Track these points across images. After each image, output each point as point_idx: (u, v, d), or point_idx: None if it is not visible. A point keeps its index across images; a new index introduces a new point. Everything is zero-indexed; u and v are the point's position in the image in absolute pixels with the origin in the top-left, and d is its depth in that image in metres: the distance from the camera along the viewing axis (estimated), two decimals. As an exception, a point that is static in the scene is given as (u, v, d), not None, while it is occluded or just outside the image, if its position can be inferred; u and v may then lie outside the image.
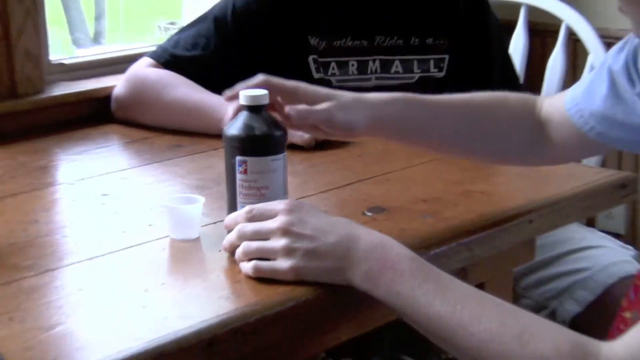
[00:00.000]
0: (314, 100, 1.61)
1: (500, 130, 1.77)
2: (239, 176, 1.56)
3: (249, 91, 1.58)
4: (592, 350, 1.22)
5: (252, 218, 1.47)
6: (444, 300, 1.31)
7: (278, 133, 1.58)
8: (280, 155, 1.58)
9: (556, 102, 1.74)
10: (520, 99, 1.79)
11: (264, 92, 1.58)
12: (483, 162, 1.87)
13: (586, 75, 1.66)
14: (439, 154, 1.90)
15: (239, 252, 1.46)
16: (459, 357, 1.34)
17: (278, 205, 1.46)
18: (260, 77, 1.60)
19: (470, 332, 1.28)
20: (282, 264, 1.41)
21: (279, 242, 1.42)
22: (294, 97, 1.63)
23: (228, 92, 1.62)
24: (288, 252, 1.41)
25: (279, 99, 1.63)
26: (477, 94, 1.78)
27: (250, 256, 1.44)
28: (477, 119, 1.75)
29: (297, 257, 1.40)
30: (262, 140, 1.56)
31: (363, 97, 1.66)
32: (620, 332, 1.26)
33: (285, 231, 1.42)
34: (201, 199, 1.61)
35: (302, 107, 1.58)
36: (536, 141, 1.76)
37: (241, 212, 1.49)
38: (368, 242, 1.40)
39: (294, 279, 1.40)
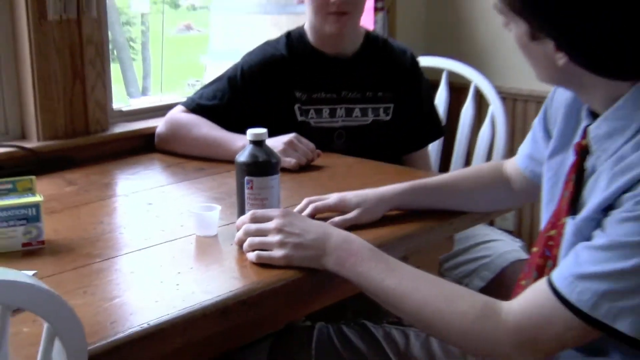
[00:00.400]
0: (347, 209, 1.63)
1: (484, 195, 1.75)
2: (247, 191, 1.59)
3: (254, 130, 1.60)
4: (497, 306, 1.25)
5: (255, 220, 1.49)
6: (392, 277, 1.33)
7: (274, 160, 1.61)
8: (276, 176, 1.61)
9: (511, 163, 1.71)
10: (492, 168, 1.77)
11: (264, 130, 1.60)
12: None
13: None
14: None
15: (245, 245, 1.47)
16: (405, 318, 1.37)
17: (274, 211, 1.49)
18: (310, 207, 1.64)
19: (411, 299, 1.31)
20: (277, 253, 1.42)
21: (274, 238, 1.44)
22: (334, 208, 1.65)
23: None
24: (281, 245, 1.42)
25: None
26: (464, 172, 1.81)
27: (253, 247, 1.46)
28: (467, 191, 1.74)
29: (287, 249, 1.42)
30: (263, 165, 1.59)
31: (383, 196, 1.67)
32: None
33: (279, 230, 1.44)
34: (218, 207, 1.62)
35: (339, 219, 1.60)
36: (507, 193, 1.74)
37: (247, 215, 1.51)
38: (337, 237, 1.42)
39: (285, 265, 1.42)
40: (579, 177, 1.33)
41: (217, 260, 1.50)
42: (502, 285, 2.19)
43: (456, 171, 1.84)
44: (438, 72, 2.84)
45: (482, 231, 2.41)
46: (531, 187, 1.62)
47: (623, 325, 1.14)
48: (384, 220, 1.65)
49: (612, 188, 1.20)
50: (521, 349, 1.21)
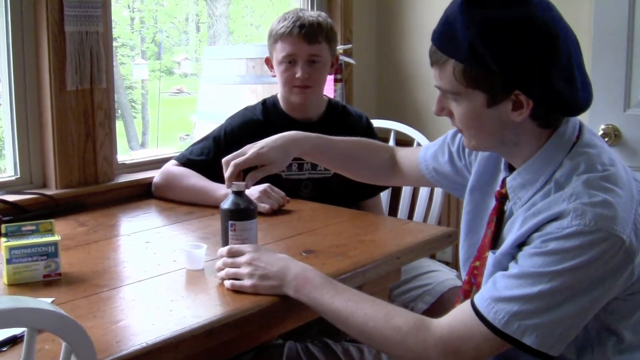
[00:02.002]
0: (265, 161, 1.67)
1: (369, 162, 1.80)
2: (230, 233, 1.57)
3: (237, 182, 1.60)
4: (427, 322, 1.25)
5: (231, 254, 1.49)
6: (339, 299, 1.33)
7: (252, 207, 1.60)
8: (254, 220, 1.60)
9: (410, 154, 1.77)
10: (382, 145, 1.84)
11: (243, 183, 1.60)
12: (358, 179, 1.87)
13: (434, 142, 1.70)
14: (337, 171, 1.90)
15: (222, 274, 1.47)
16: (353, 335, 1.35)
17: (246, 247, 1.49)
18: (231, 166, 1.62)
19: (355, 317, 1.30)
20: (246, 282, 1.42)
21: (245, 270, 1.44)
22: (254, 162, 1.66)
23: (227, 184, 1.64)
24: (250, 276, 1.42)
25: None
26: (358, 139, 1.84)
27: (229, 277, 1.45)
28: (356, 155, 1.80)
29: (254, 279, 1.42)
30: (244, 212, 1.58)
31: (289, 150, 1.71)
32: None
33: (249, 264, 1.44)
34: (204, 246, 1.61)
35: (260, 172, 1.66)
36: (391, 171, 1.79)
37: (225, 249, 1.51)
38: (295, 269, 1.41)
39: (253, 292, 1.41)
40: (499, 218, 1.36)
41: (204, 290, 1.49)
42: (442, 307, 2.15)
43: (355, 140, 1.83)
44: (387, 131, 2.83)
45: (425, 263, 2.41)
46: (425, 184, 1.75)
47: (530, 340, 1.16)
48: (343, 256, 1.65)
49: (525, 228, 1.22)
50: (446, 358, 1.22)
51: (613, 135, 2.58)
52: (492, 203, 1.39)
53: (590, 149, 1.26)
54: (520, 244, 1.23)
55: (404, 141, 2.91)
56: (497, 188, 1.39)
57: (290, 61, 2.22)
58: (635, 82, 2.55)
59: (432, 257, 2.90)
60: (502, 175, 1.39)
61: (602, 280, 1.17)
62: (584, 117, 2.47)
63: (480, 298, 1.21)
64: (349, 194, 2.32)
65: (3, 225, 1.54)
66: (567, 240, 1.15)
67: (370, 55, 3.44)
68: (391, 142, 2.88)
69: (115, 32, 2.44)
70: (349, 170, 1.83)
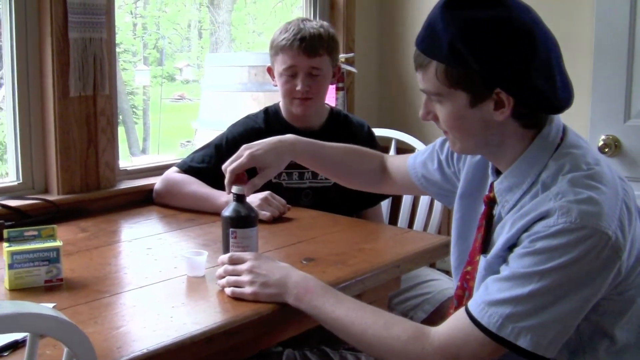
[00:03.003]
0: (260, 164, 1.69)
1: (359, 167, 1.81)
2: (231, 240, 1.57)
3: (236, 187, 1.60)
4: (426, 330, 1.26)
5: (232, 261, 1.49)
6: (340, 309, 1.33)
7: (253, 215, 1.60)
8: (255, 227, 1.60)
9: (399, 161, 1.77)
10: (372, 152, 1.84)
11: (243, 187, 1.61)
12: (349, 185, 1.88)
13: (423, 150, 1.71)
14: (329, 177, 1.93)
15: (223, 281, 1.47)
16: (353, 344, 1.35)
17: (247, 255, 1.49)
18: (228, 174, 1.65)
19: (355, 326, 1.30)
20: (247, 290, 1.43)
21: (245, 278, 1.44)
22: (249, 165, 1.68)
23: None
24: (250, 283, 1.43)
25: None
26: (349, 145, 1.84)
27: (229, 284, 1.45)
28: (346, 160, 1.80)
29: (255, 287, 1.42)
30: (245, 219, 1.58)
31: (283, 155, 1.72)
32: None
33: (249, 271, 1.44)
34: (205, 253, 1.61)
35: (258, 179, 1.68)
36: (380, 177, 1.80)
37: (227, 256, 1.51)
38: (296, 277, 1.41)
39: (253, 300, 1.41)
40: (488, 222, 1.37)
41: (204, 297, 1.49)
42: (441, 316, 2.08)
43: (346, 146, 1.83)
44: (388, 140, 2.84)
45: (424, 272, 2.40)
46: (415, 191, 1.74)
47: (525, 342, 1.17)
48: (343, 265, 1.65)
49: (514, 230, 1.23)
50: None
51: (613, 146, 2.59)
52: (482, 208, 1.41)
53: (574, 150, 1.28)
54: (511, 246, 1.24)
55: (405, 150, 2.91)
56: (486, 193, 1.40)
57: (290, 74, 2.23)
58: (635, 93, 2.56)
59: (432, 265, 2.90)
60: (490, 179, 1.40)
61: (591, 277, 1.17)
62: (584, 127, 2.49)
63: (474, 303, 1.22)
64: (349, 203, 2.32)
65: (5, 230, 1.55)
66: (554, 238, 1.17)
67: (372, 64, 3.45)
68: (392, 151, 2.89)
69: (117, 38, 2.44)
70: (340, 175, 1.84)
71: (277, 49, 2.24)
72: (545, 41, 1.24)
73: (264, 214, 2.04)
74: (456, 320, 1.24)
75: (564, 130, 1.32)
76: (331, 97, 3.06)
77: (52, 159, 2.22)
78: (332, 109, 2.43)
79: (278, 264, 1.47)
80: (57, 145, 2.20)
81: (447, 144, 1.58)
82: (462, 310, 1.24)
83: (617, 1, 2.55)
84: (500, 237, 1.28)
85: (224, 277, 1.48)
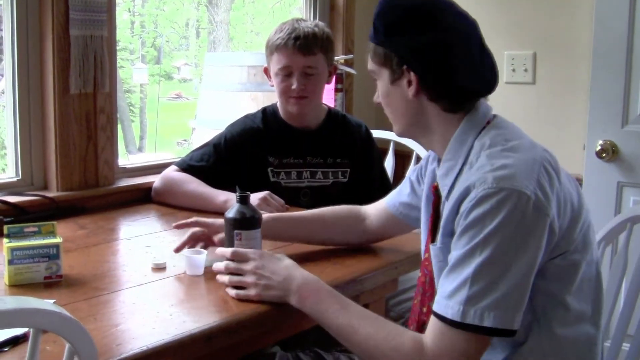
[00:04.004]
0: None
1: (337, 230, 1.79)
2: (236, 242, 1.56)
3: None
4: (420, 337, 1.24)
5: (236, 257, 1.49)
6: (343, 315, 1.32)
7: (257, 216, 1.59)
8: (259, 229, 1.59)
9: (376, 203, 1.78)
10: (348, 209, 1.82)
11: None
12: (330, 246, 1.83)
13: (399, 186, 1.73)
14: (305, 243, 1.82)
15: (225, 279, 1.47)
16: (353, 350, 1.34)
17: (251, 253, 1.48)
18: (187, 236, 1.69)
19: (358, 334, 1.30)
20: (251, 292, 1.43)
21: (249, 279, 1.44)
22: (214, 229, 1.69)
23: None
24: (254, 285, 1.43)
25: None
26: (323, 209, 1.81)
27: (232, 284, 1.46)
28: (321, 227, 1.78)
29: (259, 289, 1.42)
30: (249, 221, 1.57)
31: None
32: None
33: (253, 272, 1.44)
34: (205, 252, 1.62)
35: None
36: (362, 224, 1.79)
37: (229, 251, 1.51)
38: (300, 280, 1.41)
39: (258, 300, 1.41)
40: (436, 211, 1.40)
41: (203, 295, 1.49)
42: None
43: (314, 210, 1.81)
44: (386, 142, 2.84)
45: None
46: (401, 226, 1.73)
47: (489, 321, 1.17)
48: (340, 265, 1.65)
49: (447, 212, 1.28)
50: None
51: (611, 151, 2.60)
52: (432, 199, 1.45)
53: (497, 130, 1.33)
54: (451, 233, 1.28)
55: (403, 151, 2.93)
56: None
57: (286, 73, 2.24)
58: (633, 99, 2.58)
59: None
60: (433, 167, 1.44)
61: (525, 238, 1.20)
62: (582, 132, 2.49)
63: (436, 304, 1.24)
64: (347, 202, 2.27)
65: (6, 226, 1.55)
66: (478, 207, 1.20)
67: (370, 66, 3.44)
68: (390, 153, 2.90)
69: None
70: (323, 238, 1.81)
71: (272, 49, 2.25)
72: (453, 23, 1.32)
73: (266, 215, 2.03)
74: (434, 328, 1.24)
75: (494, 116, 1.37)
76: (330, 99, 3.07)
77: (52, 156, 2.23)
78: (330, 109, 2.44)
79: (282, 263, 1.46)
80: (57, 142, 2.21)
81: (418, 166, 1.63)
82: (432, 317, 1.25)
83: (616, 6, 2.56)
84: (442, 224, 1.32)
85: (225, 273, 1.48)
